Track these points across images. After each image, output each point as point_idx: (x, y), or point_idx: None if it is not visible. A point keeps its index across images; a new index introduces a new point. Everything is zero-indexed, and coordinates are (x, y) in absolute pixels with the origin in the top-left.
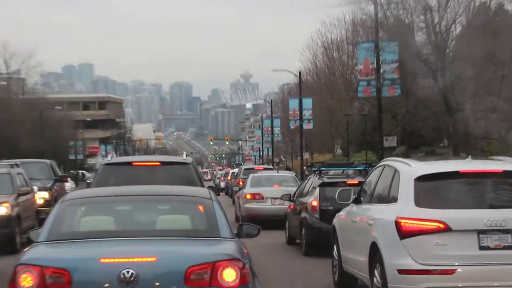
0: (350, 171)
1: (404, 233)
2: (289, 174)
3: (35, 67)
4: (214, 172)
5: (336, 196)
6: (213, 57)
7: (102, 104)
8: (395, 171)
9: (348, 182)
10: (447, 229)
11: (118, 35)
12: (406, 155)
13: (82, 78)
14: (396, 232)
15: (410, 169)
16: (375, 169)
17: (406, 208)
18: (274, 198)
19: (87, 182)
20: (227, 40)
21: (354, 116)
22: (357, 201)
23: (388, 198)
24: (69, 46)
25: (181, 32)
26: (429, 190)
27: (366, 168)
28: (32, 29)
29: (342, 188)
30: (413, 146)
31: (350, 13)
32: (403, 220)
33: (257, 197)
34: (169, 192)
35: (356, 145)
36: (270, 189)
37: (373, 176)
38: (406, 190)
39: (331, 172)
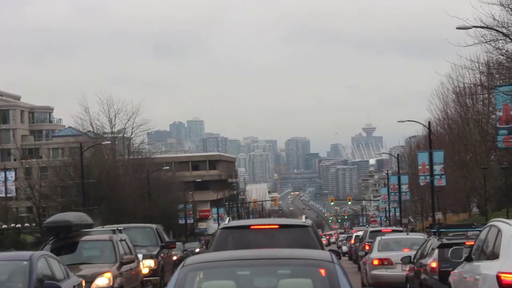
0: (470, 233)
1: (504, 286)
2: (421, 236)
3: (141, 125)
4: (336, 235)
5: (449, 255)
6: (331, 108)
7: (213, 163)
8: (499, 231)
9: (467, 243)
10: None
11: (226, 88)
12: None
13: (191, 136)
14: (497, 285)
15: (511, 228)
16: (484, 229)
17: (506, 263)
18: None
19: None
20: (346, 89)
21: (493, 170)
22: (468, 259)
23: (493, 255)
24: (177, 102)
25: (294, 81)
26: None
27: None
28: (134, 84)
29: (454, 247)
30: None
31: (484, 54)
32: (503, 275)
33: (385, 262)
34: (289, 256)
35: (496, 203)
36: (400, 253)
37: (482, 236)
38: (507, 247)
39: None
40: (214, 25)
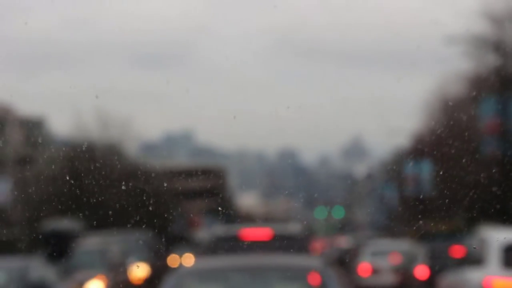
0: None
1: None
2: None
3: (132, 136)
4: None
5: None
6: (320, 119)
7: (204, 173)
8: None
9: None
10: None
11: (216, 98)
12: None
13: (183, 147)
14: None
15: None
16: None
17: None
18: None
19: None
20: (335, 100)
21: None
22: None
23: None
24: (168, 113)
25: (283, 92)
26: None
27: None
28: (123, 96)
29: None
30: None
31: (471, 66)
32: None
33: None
34: (282, 262)
35: None
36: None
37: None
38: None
39: None
40: (203, 37)
